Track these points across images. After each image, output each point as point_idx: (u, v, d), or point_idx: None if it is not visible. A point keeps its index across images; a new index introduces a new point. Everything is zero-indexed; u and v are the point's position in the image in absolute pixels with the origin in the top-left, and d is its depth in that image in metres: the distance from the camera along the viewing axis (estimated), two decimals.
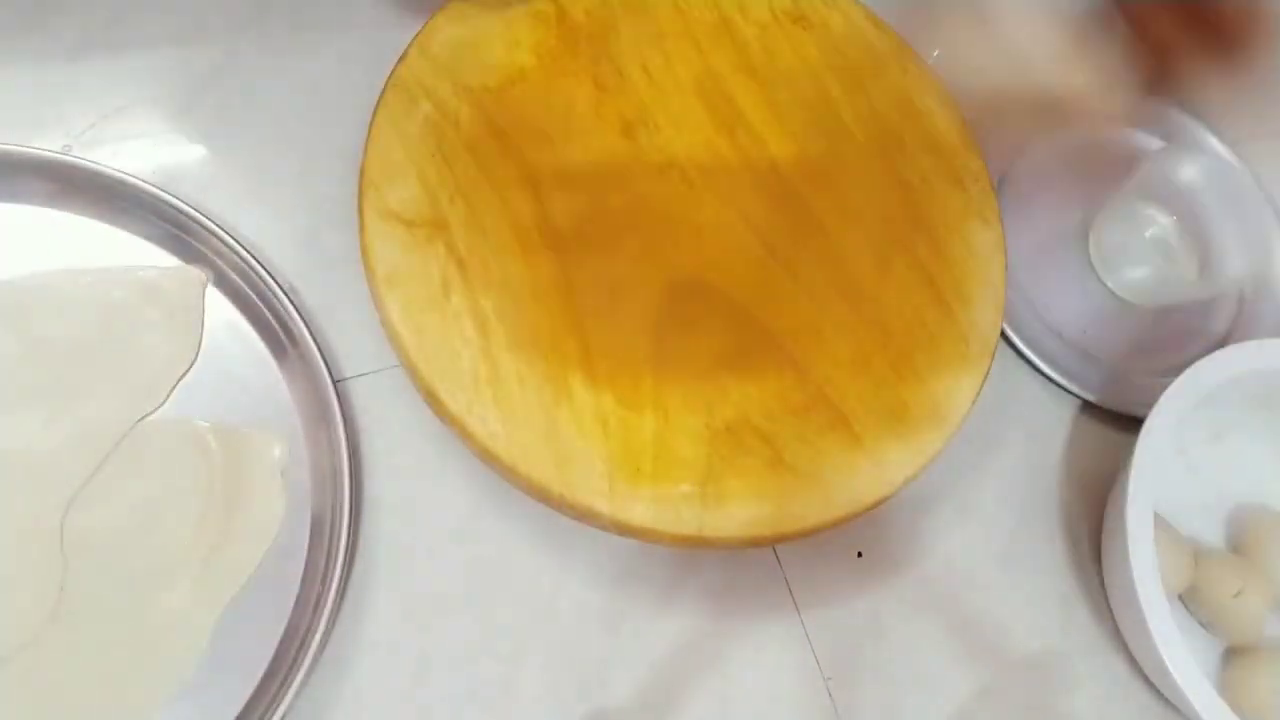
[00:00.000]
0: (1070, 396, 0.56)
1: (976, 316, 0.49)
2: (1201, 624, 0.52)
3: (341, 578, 0.43)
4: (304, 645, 0.41)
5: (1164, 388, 0.49)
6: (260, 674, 0.42)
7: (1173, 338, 0.58)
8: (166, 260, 0.47)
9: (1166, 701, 0.50)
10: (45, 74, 0.51)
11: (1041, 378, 0.56)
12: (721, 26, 0.53)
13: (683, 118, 0.50)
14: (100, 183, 0.47)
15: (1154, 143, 0.63)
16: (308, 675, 0.41)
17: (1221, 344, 0.57)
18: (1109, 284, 0.59)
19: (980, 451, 0.53)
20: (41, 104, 0.50)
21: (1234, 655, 0.51)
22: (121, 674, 0.41)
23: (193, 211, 0.46)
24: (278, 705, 0.40)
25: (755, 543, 0.43)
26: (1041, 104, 0.44)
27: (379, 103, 0.47)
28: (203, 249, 0.47)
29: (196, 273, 0.47)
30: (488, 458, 0.42)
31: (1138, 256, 0.57)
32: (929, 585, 0.50)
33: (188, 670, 0.41)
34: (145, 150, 0.50)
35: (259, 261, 0.46)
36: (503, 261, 0.45)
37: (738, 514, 0.43)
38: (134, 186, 0.46)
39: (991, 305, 0.50)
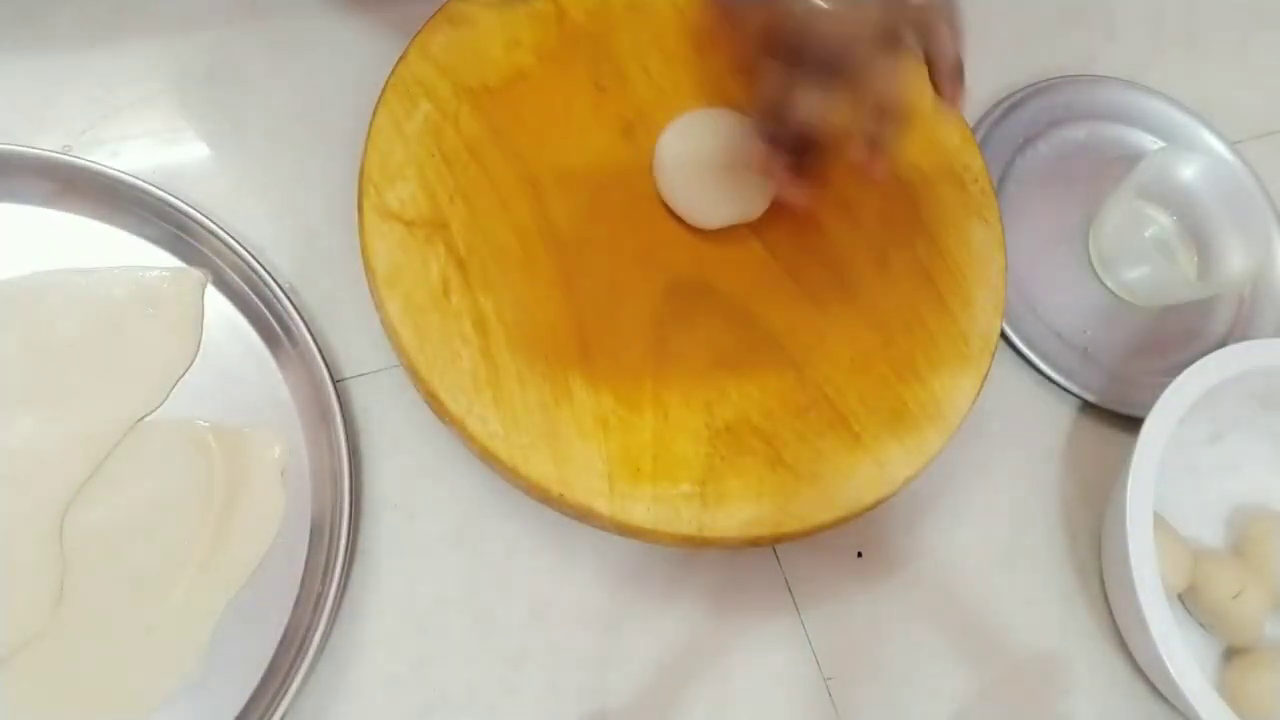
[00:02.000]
0: (1070, 396, 0.56)
1: (976, 316, 0.49)
2: (1201, 624, 0.52)
3: (341, 578, 0.43)
4: (304, 645, 0.41)
5: (1164, 388, 0.49)
6: (260, 673, 0.42)
7: (1173, 338, 0.58)
8: (166, 260, 0.47)
9: (1166, 701, 0.50)
10: (45, 74, 0.51)
11: (1041, 378, 0.56)
12: None
13: None
14: (100, 183, 0.47)
15: (1154, 143, 0.63)
16: (308, 675, 0.41)
17: (1221, 344, 0.57)
18: (1109, 284, 0.59)
19: (980, 451, 0.53)
20: (42, 104, 0.50)
21: (1234, 655, 0.51)
22: (122, 673, 0.41)
23: (193, 211, 0.46)
24: (278, 705, 0.40)
25: (755, 543, 0.43)
26: None
27: (379, 103, 0.47)
28: (202, 249, 0.47)
29: (196, 273, 0.47)
30: (488, 458, 0.42)
31: (1138, 256, 0.57)
32: (929, 585, 0.50)
33: (188, 670, 0.41)
34: (145, 150, 0.50)
35: (259, 261, 0.46)
36: (502, 261, 0.45)
37: (738, 514, 0.43)
38: (134, 186, 0.46)
39: (991, 305, 0.50)
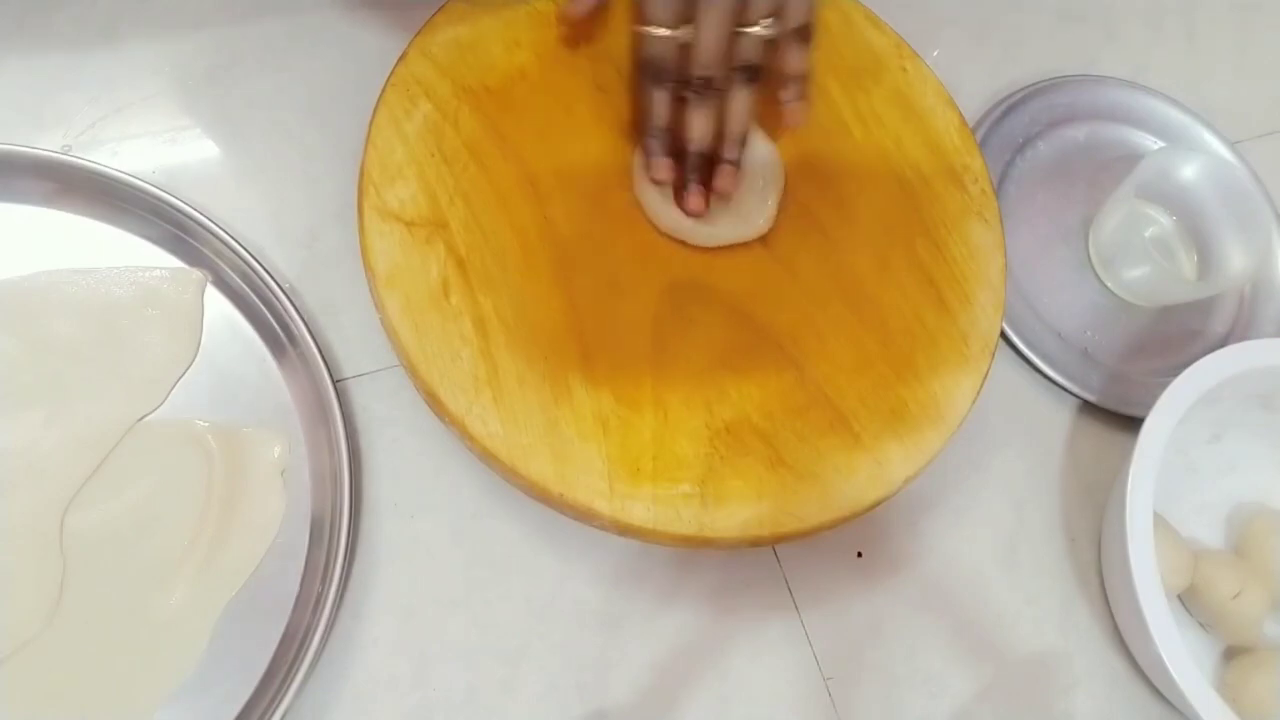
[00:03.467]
0: (1070, 396, 0.56)
1: (976, 316, 0.49)
2: (1201, 624, 0.52)
3: (341, 578, 0.43)
4: (304, 645, 0.41)
5: (1164, 388, 0.49)
6: (260, 674, 0.42)
7: (1173, 338, 0.59)
8: (166, 260, 0.47)
9: (1166, 701, 0.50)
10: (45, 74, 0.51)
11: (1041, 378, 0.56)
12: None
13: None
14: (100, 183, 0.47)
15: (1154, 143, 0.63)
16: (308, 675, 0.41)
17: (1221, 344, 0.57)
18: (1109, 284, 0.59)
19: (980, 451, 0.53)
20: (42, 104, 0.50)
21: (1234, 655, 0.51)
22: (121, 674, 0.41)
23: (192, 212, 0.46)
24: (278, 705, 0.40)
25: (755, 543, 0.43)
26: None
27: (379, 103, 0.47)
28: (202, 249, 0.47)
29: (196, 273, 0.47)
30: (488, 458, 0.42)
31: (1138, 256, 0.57)
32: (929, 585, 0.50)
33: (188, 670, 0.41)
34: (145, 150, 0.50)
35: (259, 262, 0.46)
36: (502, 261, 0.45)
37: (737, 514, 0.43)
38: (134, 186, 0.46)
39: (991, 305, 0.50)
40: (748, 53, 0.44)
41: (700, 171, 0.47)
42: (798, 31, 0.45)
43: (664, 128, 0.46)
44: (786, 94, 0.47)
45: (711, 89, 0.45)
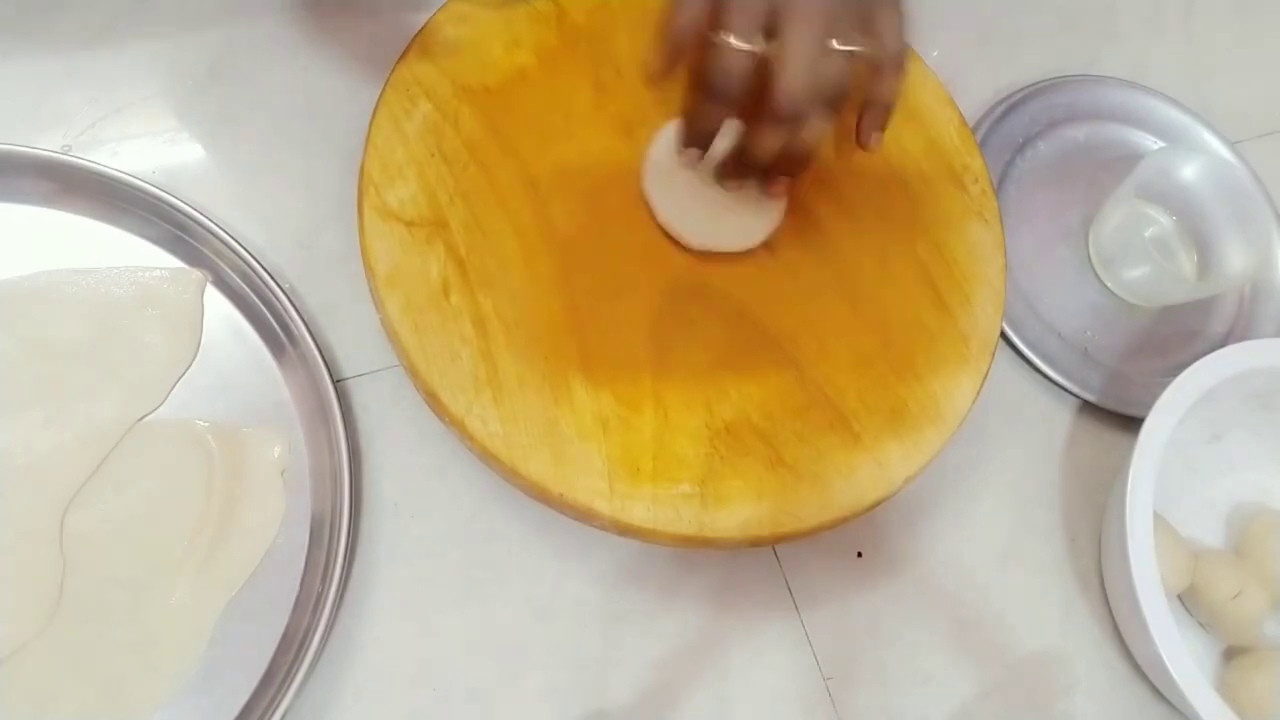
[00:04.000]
0: (1070, 396, 0.56)
1: (976, 316, 0.49)
2: (1201, 624, 0.52)
3: (341, 578, 0.43)
4: (304, 645, 0.41)
5: (1164, 388, 0.49)
6: (260, 674, 0.42)
7: (1173, 338, 0.59)
8: (166, 260, 0.47)
9: (1166, 701, 0.50)
10: (45, 74, 0.51)
11: (1041, 378, 0.56)
12: None
13: None
14: (100, 183, 0.47)
15: (1154, 143, 0.63)
16: (308, 675, 0.41)
17: (1221, 344, 0.57)
18: (1109, 284, 0.59)
19: (980, 451, 0.53)
20: (42, 104, 0.50)
21: (1234, 655, 0.51)
22: (121, 674, 0.41)
23: (193, 212, 0.46)
24: (278, 705, 0.40)
25: (755, 543, 0.43)
26: None
27: (379, 103, 0.47)
28: (202, 249, 0.47)
29: (196, 273, 0.47)
30: (488, 458, 0.42)
31: (1138, 256, 0.57)
32: (929, 585, 0.50)
33: (188, 670, 0.41)
34: (145, 150, 0.50)
35: (259, 262, 0.46)
36: (502, 262, 0.45)
37: (738, 514, 0.43)
38: (134, 186, 0.46)
39: (991, 305, 0.50)
40: (835, 82, 0.39)
41: (752, 172, 0.43)
42: (896, 56, 0.41)
43: (710, 132, 0.41)
44: (868, 120, 0.43)
45: (785, 120, 0.39)
